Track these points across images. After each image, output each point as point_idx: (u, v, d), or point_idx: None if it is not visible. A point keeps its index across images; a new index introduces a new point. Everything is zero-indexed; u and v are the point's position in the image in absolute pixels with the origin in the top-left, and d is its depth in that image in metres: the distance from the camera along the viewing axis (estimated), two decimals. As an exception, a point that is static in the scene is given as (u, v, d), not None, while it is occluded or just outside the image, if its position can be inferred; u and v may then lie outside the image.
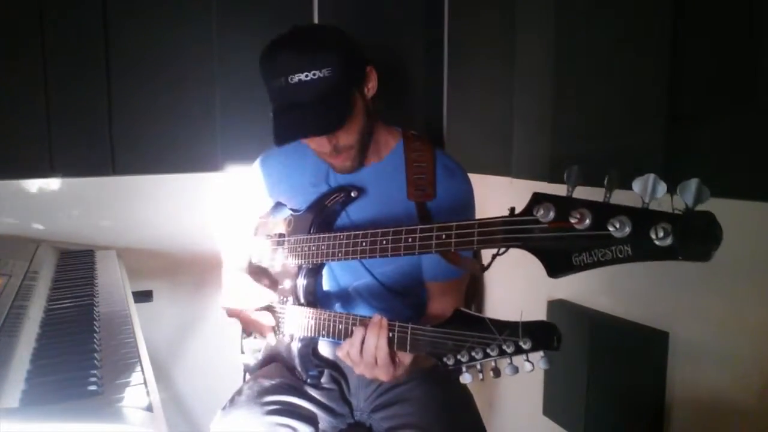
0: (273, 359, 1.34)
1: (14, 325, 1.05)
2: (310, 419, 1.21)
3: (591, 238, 0.69)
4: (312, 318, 1.16)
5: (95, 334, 1.06)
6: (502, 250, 0.84)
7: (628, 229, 0.66)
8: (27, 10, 1.77)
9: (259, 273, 1.32)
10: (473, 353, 0.88)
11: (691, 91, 1.33)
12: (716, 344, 1.27)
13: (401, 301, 1.30)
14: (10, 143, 1.78)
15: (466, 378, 0.90)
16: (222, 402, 1.27)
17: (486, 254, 1.12)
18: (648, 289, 1.43)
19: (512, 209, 0.81)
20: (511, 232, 0.80)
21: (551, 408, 1.71)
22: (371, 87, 1.16)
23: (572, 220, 0.70)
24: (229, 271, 1.33)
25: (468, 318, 0.91)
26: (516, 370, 0.85)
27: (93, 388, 0.84)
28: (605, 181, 0.69)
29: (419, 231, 0.96)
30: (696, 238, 0.63)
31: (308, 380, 1.25)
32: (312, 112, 1.06)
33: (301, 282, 1.23)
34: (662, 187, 0.65)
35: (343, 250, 1.11)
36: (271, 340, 1.29)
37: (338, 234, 1.12)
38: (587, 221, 0.70)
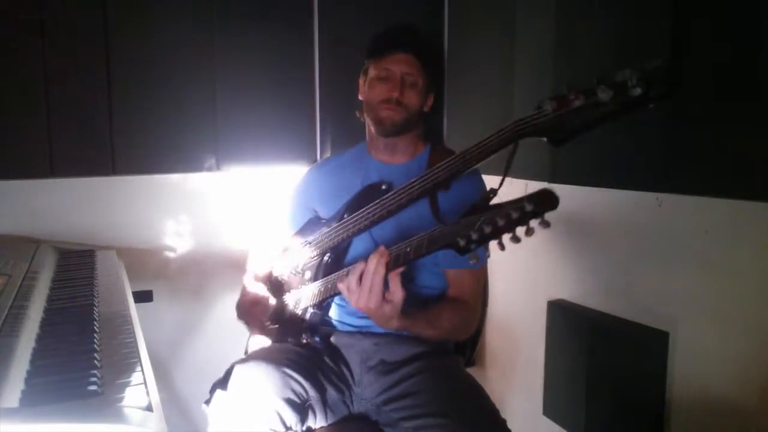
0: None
1: (14, 325, 1.04)
2: (319, 386, 1.24)
3: (583, 108, 0.91)
4: (329, 281, 1.26)
5: (95, 334, 1.06)
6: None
7: (610, 93, 0.87)
8: (27, 11, 1.77)
9: (277, 285, 1.43)
10: (484, 228, 0.95)
11: (691, 91, 1.33)
12: (716, 344, 1.27)
13: (418, 290, 1.34)
14: (10, 143, 1.78)
15: (472, 258, 0.99)
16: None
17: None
18: (648, 289, 1.43)
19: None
20: (522, 126, 0.99)
21: (551, 408, 1.71)
22: (429, 104, 1.41)
23: (570, 97, 0.91)
24: (250, 283, 1.46)
25: (479, 207, 0.99)
26: (518, 239, 0.93)
27: (93, 388, 0.84)
28: (595, 80, 0.89)
29: (445, 162, 1.11)
30: (661, 83, 0.85)
31: (314, 343, 1.31)
32: (418, 42, 1.37)
33: (325, 262, 1.33)
34: (636, 75, 0.85)
35: (366, 217, 1.23)
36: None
37: (368, 206, 1.24)
38: (581, 99, 0.90)
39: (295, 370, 1.21)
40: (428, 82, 1.37)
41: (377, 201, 1.21)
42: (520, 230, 0.92)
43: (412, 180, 1.16)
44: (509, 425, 1.15)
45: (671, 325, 1.36)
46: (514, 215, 0.91)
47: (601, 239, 1.56)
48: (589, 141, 1.59)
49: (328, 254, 1.32)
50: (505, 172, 1.03)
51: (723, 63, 1.26)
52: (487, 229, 0.94)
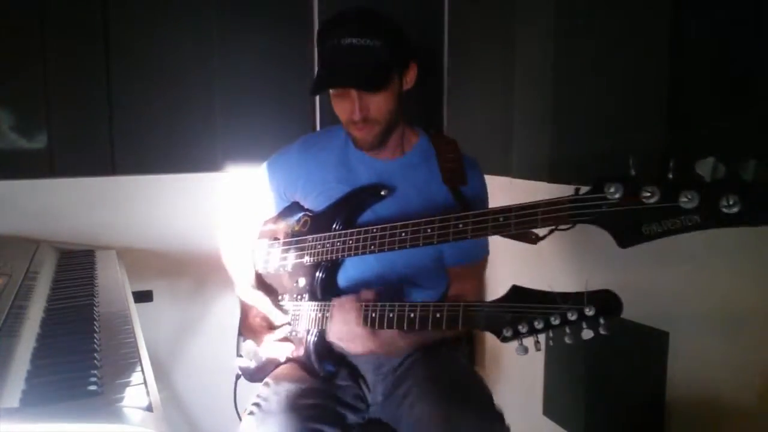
0: (287, 360, 1.33)
1: (14, 325, 1.04)
2: (340, 421, 1.20)
3: (661, 210, 0.76)
4: (328, 310, 1.19)
5: (95, 334, 1.06)
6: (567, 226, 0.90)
7: (696, 201, 0.73)
8: (27, 11, 1.77)
9: (267, 287, 1.36)
10: (535, 323, 0.89)
11: (691, 92, 1.33)
12: (716, 344, 1.27)
13: (420, 294, 1.31)
14: (10, 143, 1.78)
15: (520, 351, 0.92)
16: (222, 401, 1.26)
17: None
18: (648, 289, 1.43)
19: (578, 189, 0.87)
20: (580, 209, 0.85)
21: (551, 408, 1.71)
22: (409, 80, 1.24)
23: (645, 194, 0.77)
24: (245, 292, 1.35)
25: (526, 292, 0.93)
26: (577, 338, 0.88)
27: (93, 388, 0.84)
28: (670, 163, 0.76)
29: (472, 216, 0.99)
30: (762, 205, 0.70)
31: (323, 374, 1.24)
32: (355, 69, 1.15)
33: (319, 277, 1.25)
34: (722, 168, 0.72)
35: (377, 242, 1.13)
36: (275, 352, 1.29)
37: (376, 227, 1.14)
38: (657, 196, 0.76)
39: (316, 418, 1.14)
40: (391, 76, 1.18)
41: (385, 227, 1.11)
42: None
43: (431, 221, 1.05)
44: (509, 424, 1.15)
45: (671, 325, 1.36)
46: (571, 317, 0.86)
47: (601, 239, 1.56)
48: (589, 141, 1.60)
49: (323, 267, 1.25)
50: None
51: (722, 62, 1.26)
52: (539, 326, 0.89)
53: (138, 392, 0.84)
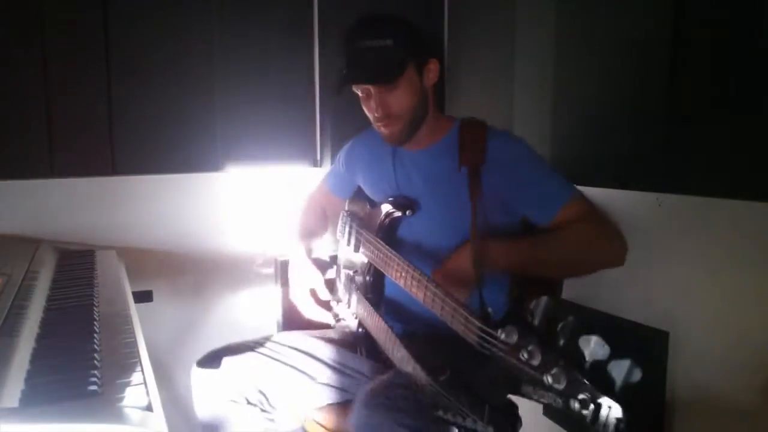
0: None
1: (14, 325, 1.04)
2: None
3: (536, 376, 0.77)
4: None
5: (95, 334, 1.06)
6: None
7: (563, 384, 0.73)
8: (27, 10, 1.77)
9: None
10: (449, 414, 0.95)
11: (691, 91, 1.33)
12: (716, 344, 1.27)
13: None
14: (10, 143, 1.78)
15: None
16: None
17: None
18: (648, 289, 1.43)
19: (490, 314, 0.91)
20: (483, 337, 0.88)
21: (551, 408, 1.71)
22: (431, 77, 1.33)
23: (523, 354, 0.77)
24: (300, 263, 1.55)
25: (456, 386, 0.98)
26: None
27: (93, 388, 0.84)
28: (559, 327, 0.78)
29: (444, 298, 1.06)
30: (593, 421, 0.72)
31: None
32: (369, 67, 1.27)
33: (369, 280, 1.40)
34: (605, 351, 0.75)
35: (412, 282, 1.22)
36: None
37: (393, 256, 1.27)
38: (536, 360, 0.76)
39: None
40: (416, 62, 1.29)
41: (411, 268, 1.19)
42: None
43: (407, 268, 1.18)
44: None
45: (671, 325, 1.36)
46: (471, 425, 0.92)
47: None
48: (589, 140, 1.60)
49: (371, 270, 1.38)
50: None
51: (722, 61, 1.27)
52: (452, 418, 0.95)
53: (138, 392, 0.83)
